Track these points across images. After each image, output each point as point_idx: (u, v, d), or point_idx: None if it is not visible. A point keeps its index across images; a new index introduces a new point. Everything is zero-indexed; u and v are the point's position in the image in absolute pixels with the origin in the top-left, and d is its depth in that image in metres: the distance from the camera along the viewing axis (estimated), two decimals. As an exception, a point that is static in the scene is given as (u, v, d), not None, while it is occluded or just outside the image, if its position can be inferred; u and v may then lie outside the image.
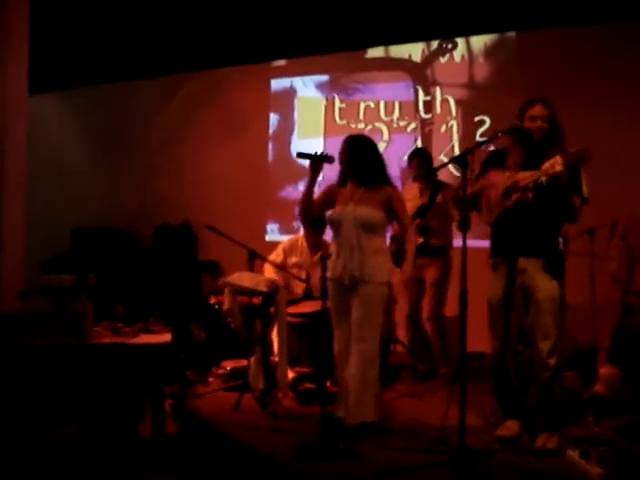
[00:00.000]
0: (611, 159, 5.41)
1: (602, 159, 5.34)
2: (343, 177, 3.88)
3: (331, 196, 3.89)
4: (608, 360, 4.49)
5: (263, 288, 4.04)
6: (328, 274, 3.68)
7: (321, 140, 7.17)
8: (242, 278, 4.13)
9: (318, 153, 3.79)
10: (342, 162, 3.85)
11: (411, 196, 5.05)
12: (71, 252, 7.90)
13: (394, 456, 3.19)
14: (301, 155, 3.87)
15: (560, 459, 3.15)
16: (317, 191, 3.96)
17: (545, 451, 3.26)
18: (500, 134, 3.32)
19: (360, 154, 3.81)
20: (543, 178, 3.23)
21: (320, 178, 3.87)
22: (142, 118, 8.00)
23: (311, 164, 3.79)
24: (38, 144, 7.95)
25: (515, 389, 3.57)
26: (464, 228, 3.21)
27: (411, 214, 4.94)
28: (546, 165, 3.20)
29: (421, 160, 5.17)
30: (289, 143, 7.40)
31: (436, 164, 6.48)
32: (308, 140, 7.24)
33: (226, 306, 4.30)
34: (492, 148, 3.48)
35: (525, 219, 3.42)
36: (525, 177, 3.34)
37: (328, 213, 3.86)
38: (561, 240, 3.54)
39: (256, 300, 4.33)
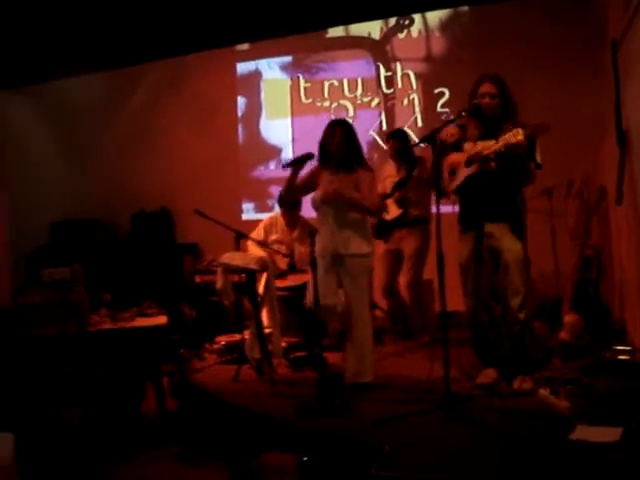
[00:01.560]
0: (565, 123, 5.75)
1: (557, 124, 5.73)
2: (324, 159, 4.09)
3: (312, 180, 4.13)
4: (571, 309, 4.87)
5: (254, 266, 4.32)
6: (316, 250, 3.90)
7: (289, 120, 7.41)
8: (233, 257, 4.40)
9: (302, 155, 4.00)
10: (327, 146, 4.05)
11: (390, 173, 5.34)
12: (51, 245, 8.04)
13: (388, 408, 3.51)
14: (288, 165, 4.05)
15: (533, 398, 3.52)
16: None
17: (520, 392, 3.63)
18: (463, 113, 3.59)
19: (352, 144, 4.03)
20: (502, 148, 3.55)
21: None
22: (110, 109, 8.08)
23: (294, 167, 4.03)
24: (5, 142, 8.08)
25: (491, 341, 3.92)
26: (438, 197, 3.54)
27: (390, 189, 5.28)
28: (506, 136, 3.51)
29: (397, 142, 5.41)
30: (258, 124, 7.62)
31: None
32: (276, 120, 7.49)
33: (219, 285, 4.54)
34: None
35: (488, 187, 3.73)
36: (486, 147, 3.65)
37: (312, 196, 4.11)
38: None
39: (241, 278, 4.61)
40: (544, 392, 3.50)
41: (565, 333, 4.60)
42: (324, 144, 4.06)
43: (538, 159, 3.70)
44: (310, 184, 4.15)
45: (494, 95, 3.72)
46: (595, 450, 2.61)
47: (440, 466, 2.74)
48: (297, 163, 4.00)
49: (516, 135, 3.45)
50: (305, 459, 2.95)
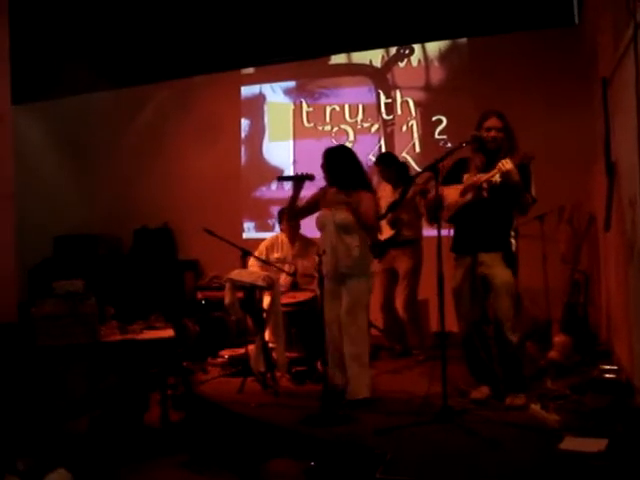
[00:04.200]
0: (557, 152, 6.03)
1: (549, 152, 6.04)
2: (327, 181, 4.35)
3: (316, 202, 4.37)
4: (561, 330, 5.10)
5: (261, 282, 4.52)
6: (322, 270, 4.07)
7: (291, 142, 7.65)
8: (241, 274, 4.60)
9: (296, 174, 4.26)
10: (324, 172, 4.32)
11: (385, 194, 5.55)
12: (54, 259, 8.19)
13: (387, 419, 3.72)
14: (282, 178, 4.27)
15: (525, 412, 3.73)
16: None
17: (513, 408, 3.84)
18: (464, 144, 3.84)
19: (337, 164, 4.26)
20: (497, 177, 3.80)
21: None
22: (117, 127, 8.28)
23: (293, 183, 4.26)
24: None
25: (484, 361, 4.13)
26: (437, 222, 3.77)
27: (385, 210, 5.49)
28: (498, 165, 3.77)
29: (382, 168, 5.66)
30: (261, 146, 7.85)
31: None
32: (278, 143, 7.73)
33: (227, 300, 4.73)
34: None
35: (483, 216, 3.96)
36: (480, 177, 3.91)
37: (316, 216, 4.34)
38: (513, 233, 4.08)
39: (240, 294, 4.82)
40: (535, 407, 3.71)
41: (555, 353, 4.83)
42: (323, 169, 4.30)
43: (533, 192, 3.94)
44: (314, 205, 4.38)
45: (499, 129, 3.97)
46: (582, 459, 2.83)
47: (439, 471, 2.94)
48: (291, 179, 4.22)
49: (505, 164, 3.71)
50: (312, 464, 3.14)
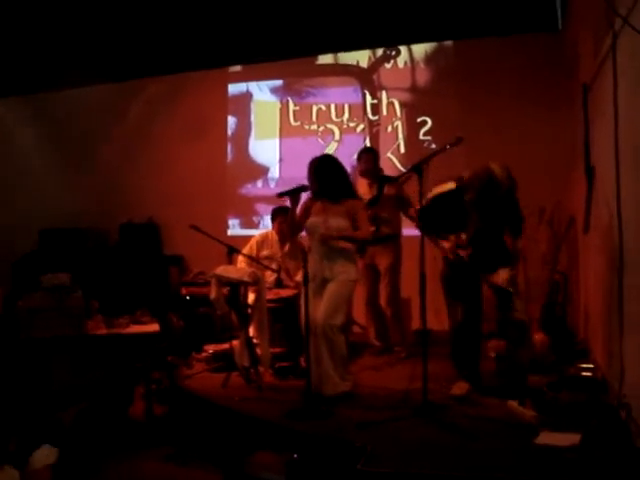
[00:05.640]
0: (538, 154, 6.16)
1: (531, 154, 6.15)
2: (315, 193, 4.43)
3: (307, 210, 4.45)
4: (539, 328, 5.21)
5: (247, 279, 4.59)
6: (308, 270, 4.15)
7: (277, 141, 7.69)
8: (227, 270, 4.66)
9: (296, 186, 4.32)
10: (311, 182, 4.39)
11: (362, 191, 5.62)
12: (39, 252, 8.17)
13: (369, 414, 3.81)
14: (282, 194, 4.34)
15: (502, 407, 3.83)
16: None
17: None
18: (448, 146, 3.93)
19: (325, 175, 4.35)
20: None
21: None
22: (103, 122, 8.21)
23: (291, 198, 4.32)
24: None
25: (475, 359, 4.26)
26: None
27: None
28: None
29: (368, 158, 5.70)
30: (247, 144, 7.89)
31: (383, 161, 7.16)
32: (265, 141, 7.78)
33: (212, 296, 4.79)
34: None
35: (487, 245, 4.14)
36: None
37: (306, 223, 4.41)
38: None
39: (225, 290, 4.88)
40: (513, 403, 3.81)
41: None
42: (309, 179, 4.38)
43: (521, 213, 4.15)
44: (305, 214, 4.45)
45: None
46: (556, 452, 2.93)
47: (419, 462, 3.03)
48: (292, 193, 4.28)
49: (443, 186, 3.98)
50: (294, 457, 3.22)
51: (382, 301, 5.67)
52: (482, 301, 4.28)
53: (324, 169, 4.36)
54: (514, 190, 4.05)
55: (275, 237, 5.67)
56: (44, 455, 3.05)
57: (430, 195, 4.09)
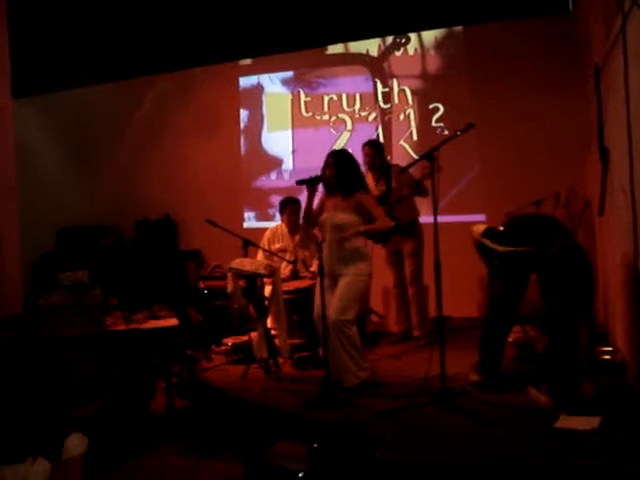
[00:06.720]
0: (553, 138, 6.12)
1: (545, 138, 6.11)
2: (328, 187, 4.42)
3: (322, 206, 4.48)
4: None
5: (263, 271, 4.61)
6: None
7: (289, 132, 7.70)
8: (243, 263, 4.69)
9: (315, 176, 4.32)
10: (329, 177, 4.36)
11: (370, 187, 5.61)
12: (58, 251, 8.28)
13: (387, 402, 3.82)
14: (301, 182, 4.35)
15: (522, 394, 3.79)
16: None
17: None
18: (459, 133, 3.91)
19: (342, 169, 4.34)
20: None
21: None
22: (117, 119, 8.33)
23: (308, 187, 4.32)
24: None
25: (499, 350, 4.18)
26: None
27: None
28: None
29: (375, 153, 5.62)
30: (260, 136, 7.91)
31: (395, 149, 7.12)
32: (277, 132, 7.79)
33: (229, 289, 4.83)
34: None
35: None
36: None
37: (319, 219, 4.43)
38: None
39: (242, 283, 4.91)
40: (532, 389, 3.79)
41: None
42: (323, 174, 4.37)
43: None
44: (321, 209, 4.48)
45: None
46: (577, 436, 2.94)
47: (438, 450, 3.04)
48: (310, 182, 4.29)
49: None
50: (315, 447, 3.25)
51: (406, 279, 5.67)
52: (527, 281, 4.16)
53: (342, 163, 4.35)
54: None
55: (284, 229, 5.70)
56: (75, 444, 3.10)
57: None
